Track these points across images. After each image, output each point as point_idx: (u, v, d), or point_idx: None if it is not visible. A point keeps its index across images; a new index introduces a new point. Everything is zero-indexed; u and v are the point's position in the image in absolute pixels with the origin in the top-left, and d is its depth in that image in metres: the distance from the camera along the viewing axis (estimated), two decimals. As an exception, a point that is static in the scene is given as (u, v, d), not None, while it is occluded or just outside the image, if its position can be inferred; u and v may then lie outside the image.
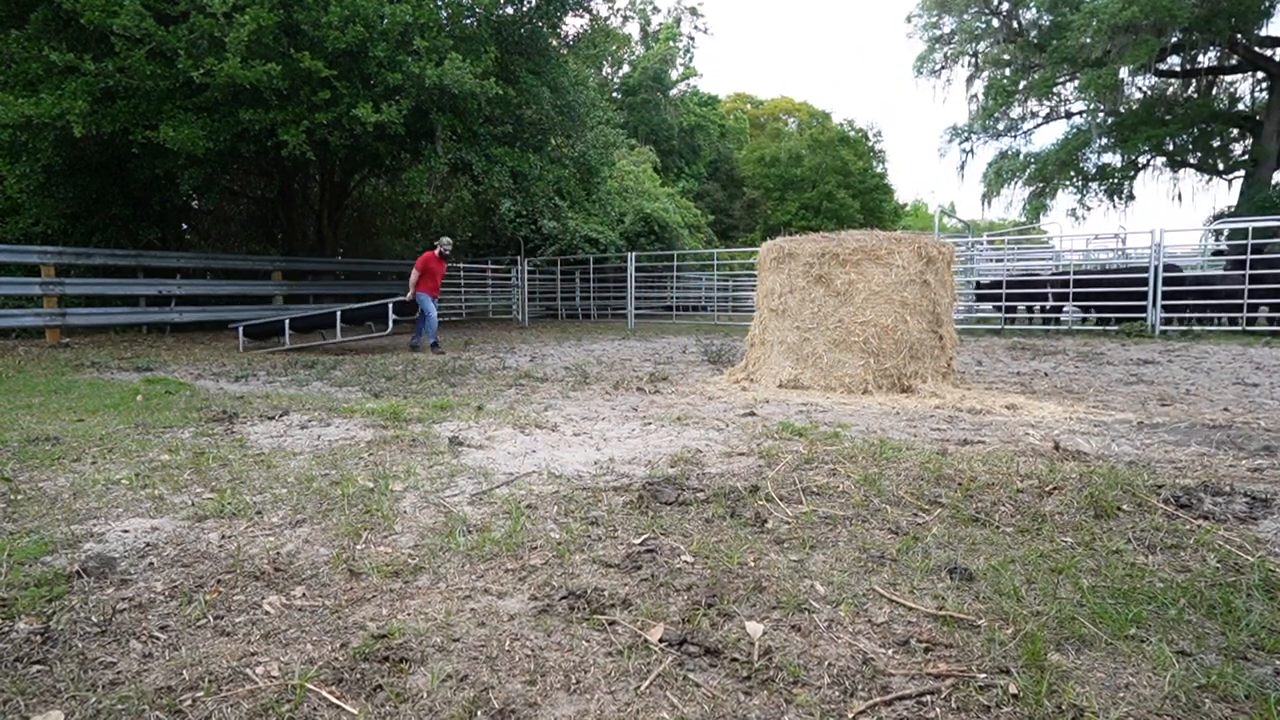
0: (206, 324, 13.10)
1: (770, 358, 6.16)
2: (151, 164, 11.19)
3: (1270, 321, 11.15)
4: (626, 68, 32.50)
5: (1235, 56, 21.96)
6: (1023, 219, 25.94)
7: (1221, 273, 12.37)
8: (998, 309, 13.57)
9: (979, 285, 13.83)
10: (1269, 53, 21.54)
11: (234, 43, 9.20)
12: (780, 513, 2.52)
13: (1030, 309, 13.63)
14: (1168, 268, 11.61)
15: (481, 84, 10.72)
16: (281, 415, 4.54)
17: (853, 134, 38.52)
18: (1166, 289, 11.39)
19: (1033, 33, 24.46)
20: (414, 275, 9.79)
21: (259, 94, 9.89)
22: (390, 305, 9.65)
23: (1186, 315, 11.80)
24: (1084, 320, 12.99)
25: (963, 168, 27.82)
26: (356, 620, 1.76)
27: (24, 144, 10.48)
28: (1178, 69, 23.23)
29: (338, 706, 1.40)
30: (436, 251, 10.03)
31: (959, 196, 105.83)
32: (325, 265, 15.73)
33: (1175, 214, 51.31)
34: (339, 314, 9.65)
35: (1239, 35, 20.86)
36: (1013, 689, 1.43)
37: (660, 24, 34.53)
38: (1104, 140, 24.26)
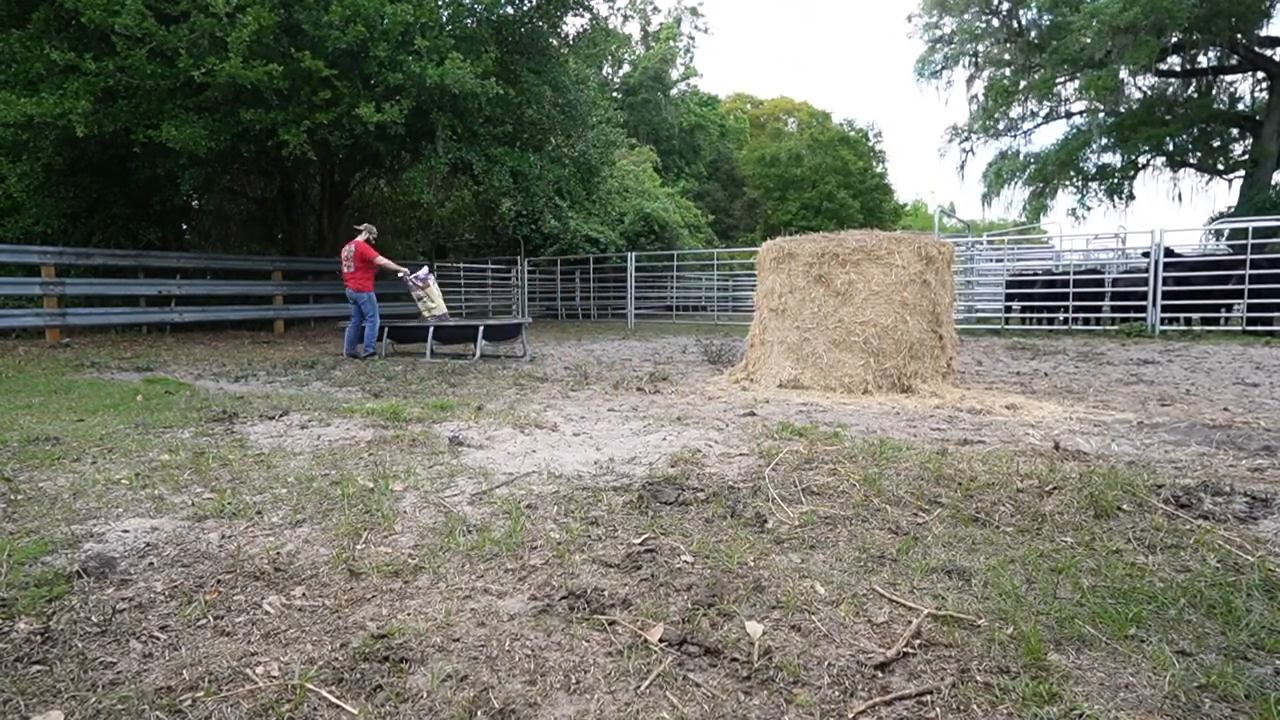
0: (206, 324, 13.10)
1: (770, 358, 6.16)
2: (152, 164, 11.19)
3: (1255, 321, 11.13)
4: (627, 67, 32.52)
5: (1235, 56, 21.96)
6: (1023, 219, 25.95)
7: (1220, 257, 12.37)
8: (1021, 309, 13.54)
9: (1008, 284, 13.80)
10: (1269, 53, 21.54)
11: (235, 43, 9.20)
12: (780, 513, 2.52)
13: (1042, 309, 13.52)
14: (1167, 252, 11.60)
15: (482, 84, 10.72)
16: (281, 415, 4.54)
17: (853, 134, 38.52)
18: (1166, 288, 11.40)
19: (1033, 33, 24.46)
20: (385, 261, 8.89)
21: (259, 94, 9.88)
22: (482, 328, 8.78)
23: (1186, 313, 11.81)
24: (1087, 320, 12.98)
25: (963, 168, 27.85)
26: (356, 620, 1.76)
27: (25, 143, 10.47)
28: (1178, 69, 23.23)
29: (338, 706, 1.40)
30: (366, 238, 9.03)
31: (959, 196, 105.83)
32: (325, 265, 15.72)
33: (1175, 214, 51.37)
34: (431, 330, 8.84)
35: (1239, 35, 20.86)
36: (1013, 689, 1.43)
37: (660, 24, 34.54)
38: (1104, 140, 24.27)
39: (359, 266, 8.88)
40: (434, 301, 9.40)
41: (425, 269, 9.61)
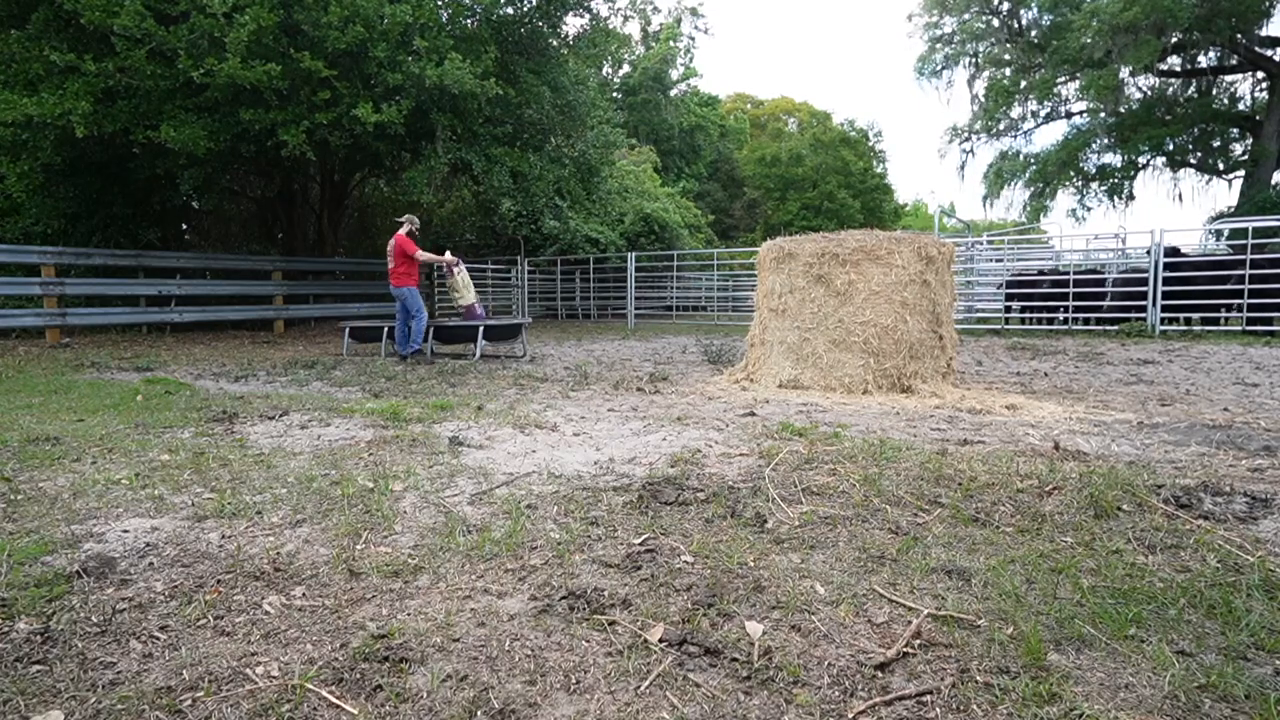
0: (206, 324, 13.10)
1: (770, 358, 6.16)
2: (152, 164, 11.20)
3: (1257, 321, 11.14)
4: (627, 68, 32.53)
5: (1235, 56, 21.97)
6: (1023, 219, 25.95)
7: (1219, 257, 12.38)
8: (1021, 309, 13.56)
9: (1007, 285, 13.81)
10: (1269, 53, 21.54)
11: (234, 43, 9.21)
12: (780, 513, 2.52)
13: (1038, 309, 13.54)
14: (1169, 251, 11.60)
15: (482, 84, 10.73)
16: (281, 415, 4.54)
17: (853, 134, 38.53)
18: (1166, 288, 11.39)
19: (1033, 33, 24.47)
20: (425, 255, 8.61)
21: (259, 94, 9.89)
22: (481, 328, 8.79)
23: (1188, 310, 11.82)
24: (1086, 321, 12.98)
25: (963, 168, 27.89)
26: (356, 620, 1.76)
27: (25, 143, 10.49)
28: (1178, 69, 23.23)
29: (338, 706, 1.40)
30: (406, 231, 8.62)
31: (959, 197, 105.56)
32: (325, 265, 15.74)
33: (1175, 214, 51.41)
34: (432, 330, 8.77)
35: (1239, 35, 20.86)
36: (1013, 689, 1.43)
37: (660, 24, 34.55)
38: (1104, 140, 24.27)
39: (398, 261, 8.48)
40: (459, 291, 9.12)
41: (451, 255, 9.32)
